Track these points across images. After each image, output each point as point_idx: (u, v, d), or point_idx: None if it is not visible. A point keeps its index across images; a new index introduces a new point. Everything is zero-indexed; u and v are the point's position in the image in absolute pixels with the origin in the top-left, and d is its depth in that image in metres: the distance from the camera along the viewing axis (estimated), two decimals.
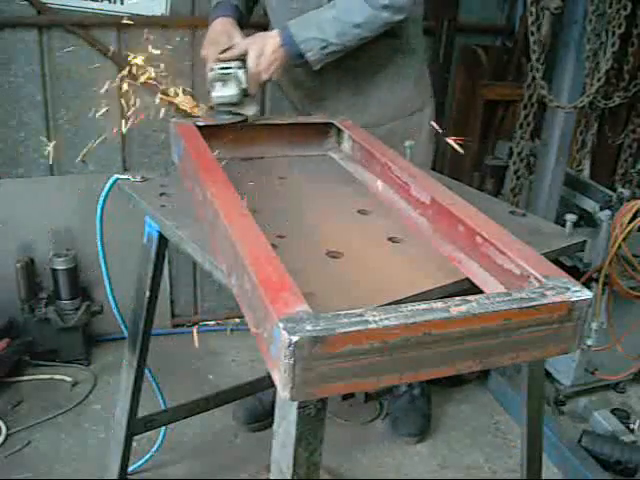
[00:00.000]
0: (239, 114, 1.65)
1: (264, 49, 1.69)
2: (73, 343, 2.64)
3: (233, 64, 1.67)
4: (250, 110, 1.66)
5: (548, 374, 2.53)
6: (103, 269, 1.64)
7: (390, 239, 1.20)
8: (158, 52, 1.74)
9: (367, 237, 1.21)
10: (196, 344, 2.83)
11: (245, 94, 1.67)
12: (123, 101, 1.75)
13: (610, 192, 2.46)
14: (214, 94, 1.66)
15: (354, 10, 1.70)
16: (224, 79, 1.65)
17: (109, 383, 2.55)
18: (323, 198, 1.40)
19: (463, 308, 0.79)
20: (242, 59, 1.69)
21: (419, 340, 0.77)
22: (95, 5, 2.53)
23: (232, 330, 2.98)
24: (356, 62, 1.86)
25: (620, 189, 2.41)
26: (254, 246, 0.92)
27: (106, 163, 2.74)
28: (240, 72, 1.66)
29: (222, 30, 1.81)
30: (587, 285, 2.29)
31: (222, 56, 1.70)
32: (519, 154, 2.61)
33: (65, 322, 2.58)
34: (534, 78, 2.31)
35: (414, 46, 1.99)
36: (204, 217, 1.17)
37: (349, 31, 1.71)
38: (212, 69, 1.67)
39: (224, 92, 1.65)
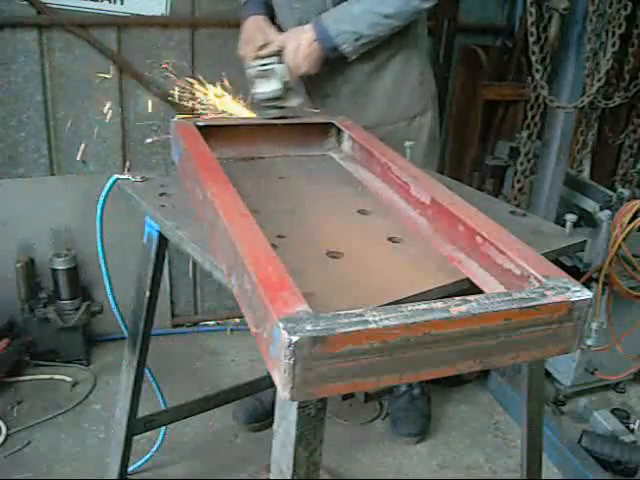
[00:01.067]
0: (284, 107, 1.67)
1: (300, 43, 1.73)
2: (73, 343, 2.63)
3: (271, 59, 1.71)
4: (294, 102, 1.69)
5: (548, 374, 2.53)
6: (103, 269, 1.64)
7: (390, 239, 1.20)
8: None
9: (367, 237, 1.21)
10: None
11: (287, 87, 1.70)
12: None
13: (610, 192, 2.46)
14: (257, 90, 1.68)
15: (385, 1, 1.73)
16: (265, 75, 1.68)
17: (109, 383, 2.55)
18: (323, 198, 1.40)
19: (463, 308, 0.79)
20: (278, 54, 1.73)
21: (419, 340, 0.77)
22: (95, 5, 2.53)
23: (232, 330, 2.98)
24: (359, 61, 1.86)
25: (620, 189, 2.42)
26: (254, 246, 0.92)
27: (106, 163, 2.75)
28: (279, 66, 1.70)
29: (256, 28, 1.84)
30: (587, 285, 2.29)
31: (259, 53, 1.74)
32: (526, 154, 2.60)
33: (65, 322, 2.58)
34: (534, 78, 2.31)
35: (420, 45, 1.98)
36: (204, 217, 1.17)
37: (381, 22, 1.74)
38: (251, 66, 1.70)
39: (267, 88, 1.67)
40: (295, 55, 1.73)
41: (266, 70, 1.68)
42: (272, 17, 1.93)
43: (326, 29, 1.73)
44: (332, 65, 1.84)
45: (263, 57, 1.72)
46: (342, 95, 1.96)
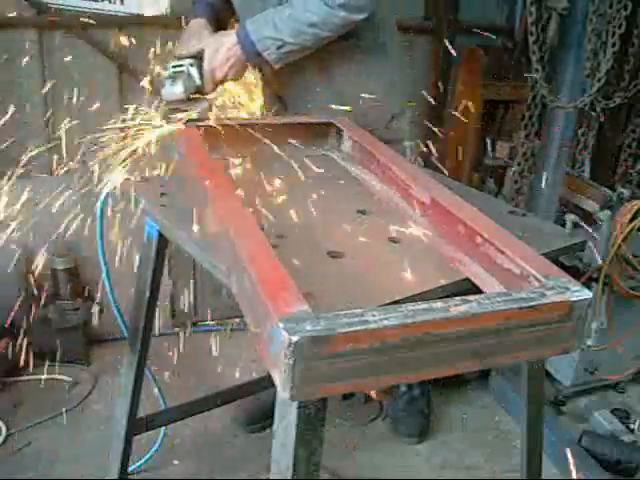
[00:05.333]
0: (186, 111, 1.60)
1: (220, 47, 1.66)
2: (73, 343, 2.63)
3: (186, 61, 1.63)
4: (197, 108, 1.62)
5: (548, 374, 2.53)
6: (103, 269, 1.65)
7: (390, 239, 1.20)
8: None
9: (367, 237, 1.21)
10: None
11: (198, 92, 1.64)
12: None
13: (610, 192, 2.46)
14: (162, 91, 1.62)
15: (310, 8, 1.64)
16: (174, 77, 1.62)
17: (109, 383, 2.55)
18: (323, 198, 1.40)
19: (463, 308, 0.79)
20: (197, 57, 1.66)
21: (419, 340, 0.77)
22: (95, 5, 2.53)
23: (232, 330, 2.98)
24: (312, 64, 1.79)
25: (620, 189, 2.41)
26: (254, 246, 0.92)
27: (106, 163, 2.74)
28: (192, 69, 1.63)
29: (193, 32, 1.77)
30: (587, 285, 2.29)
31: (177, 54, 1.67)
32: (524, 154, 2.60)
33: (65, 322, 2.58)
34: (535, 78, 2.31)
35: (385, 46, 1.88)
36: (204, 217, 1.17)
37: (305, 30, 1.65)
38: (166, 68, 1.64)
39: (171, 90, 1.61)
40: (212, 59, 1.65)
41: (177, 72, 1.61)
42: (219, 20, 1.86)
43: (248, 34, 1.64)
44: (285, 71, 1.77)
45: (181, 58, 1.65)
46: (301, 101, 1.88)
